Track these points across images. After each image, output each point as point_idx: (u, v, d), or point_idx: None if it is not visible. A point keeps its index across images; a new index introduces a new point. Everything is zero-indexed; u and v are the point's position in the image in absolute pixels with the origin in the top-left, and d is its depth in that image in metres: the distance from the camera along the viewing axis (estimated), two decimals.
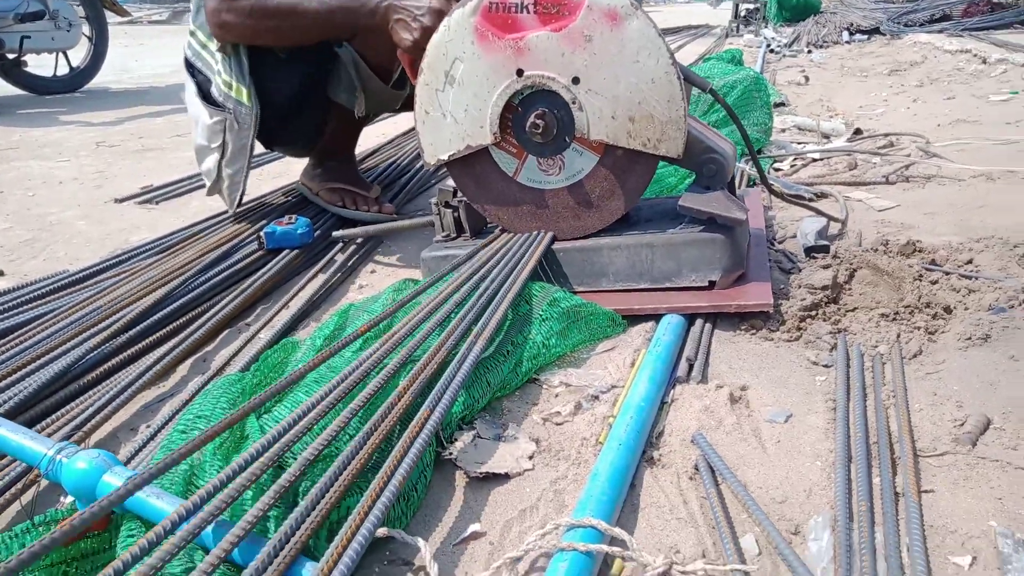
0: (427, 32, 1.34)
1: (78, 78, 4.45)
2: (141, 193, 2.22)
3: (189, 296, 1.40)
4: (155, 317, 1.31)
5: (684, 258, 1.33)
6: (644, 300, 1.33)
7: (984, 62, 5.02)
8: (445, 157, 1.41)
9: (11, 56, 4.05)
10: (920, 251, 1.52)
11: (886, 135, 2.76)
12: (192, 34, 1.68)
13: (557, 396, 1.11)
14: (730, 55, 4.32)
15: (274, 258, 1.61)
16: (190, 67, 1.70)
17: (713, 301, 1.29)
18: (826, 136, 3.04)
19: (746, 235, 1.40)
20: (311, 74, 1.73)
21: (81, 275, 1.53)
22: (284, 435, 0.75)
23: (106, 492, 0.72)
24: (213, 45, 1.62)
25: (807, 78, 5.05)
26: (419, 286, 1.22)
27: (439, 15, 1.34)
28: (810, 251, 1.54)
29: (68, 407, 1.07)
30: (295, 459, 0.76)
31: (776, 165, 2.46)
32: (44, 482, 0.93)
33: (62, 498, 0.90)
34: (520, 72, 1.30)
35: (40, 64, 4.30)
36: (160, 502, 0.70)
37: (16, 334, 1.24)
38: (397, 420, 0.85)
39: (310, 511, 0.70)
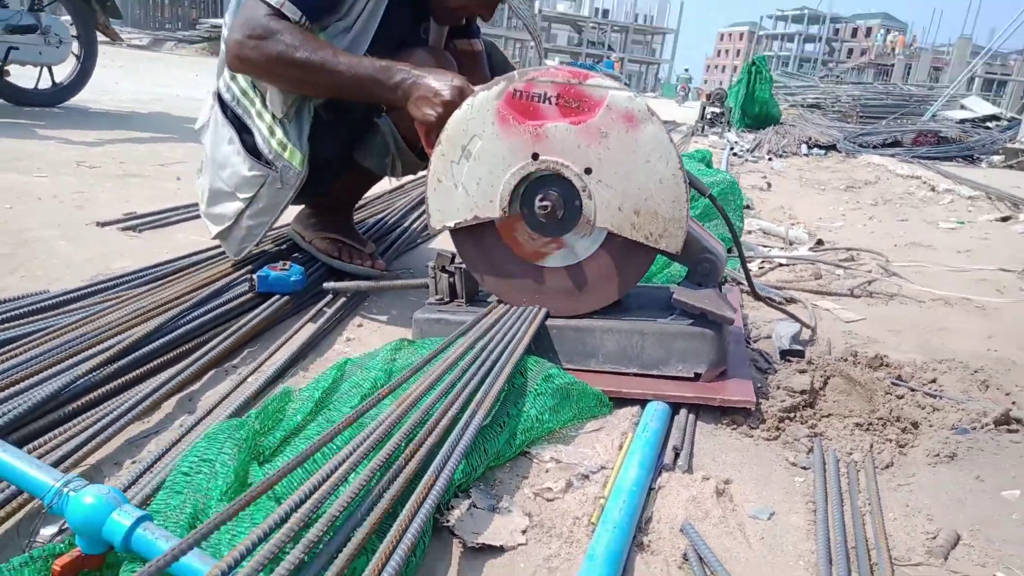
0: (448, 107, 1.40)
1: (60, 94, 4.40)
2: (125, 219, 2.19)
3: (178, 332, 1.38)
4: (144, 350, 1.29)
5: (674, 348, 1.38)
6: (632, 384, 1.37)
7: (933, 189, 5.38)
8: (451, 224, 1.45)
9: None
10: (887, 365, 1.60)
11: (848, 249, 2.92)
12: (232, 78, 1.66)
13: (547, 471, 1.13)
14: (701, 155, 4.53)
15: (264, 302, 1.60)
16: (224, 107, 1.68)
17: (699, 393, 1.33)
18: (790, 243, 3.20)
19: (730, 333, 1.47)
20: (349, 138, 1.75)
21: (64, 298, 1.49)
22: (312, 493, 0.75)
23: (115, 530, 0.71)
24: (258, 99, 1.62)
25: (769, 184, 5.30)
26: (429, 352, 1.23)
27: (461, 93, 1.40)
28: (785, 354, 1.62)
29: (55, 432, 1.04)
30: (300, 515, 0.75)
31: None
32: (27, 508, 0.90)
33: (42, 530, 0.88)
34: (536, 156, 1.37)
35: (21, 76, 4.24)
36: (197, 561, 0.69)
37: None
38: (406, 483, 0.86)
39: (325, 568, 0.70)
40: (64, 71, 4.43)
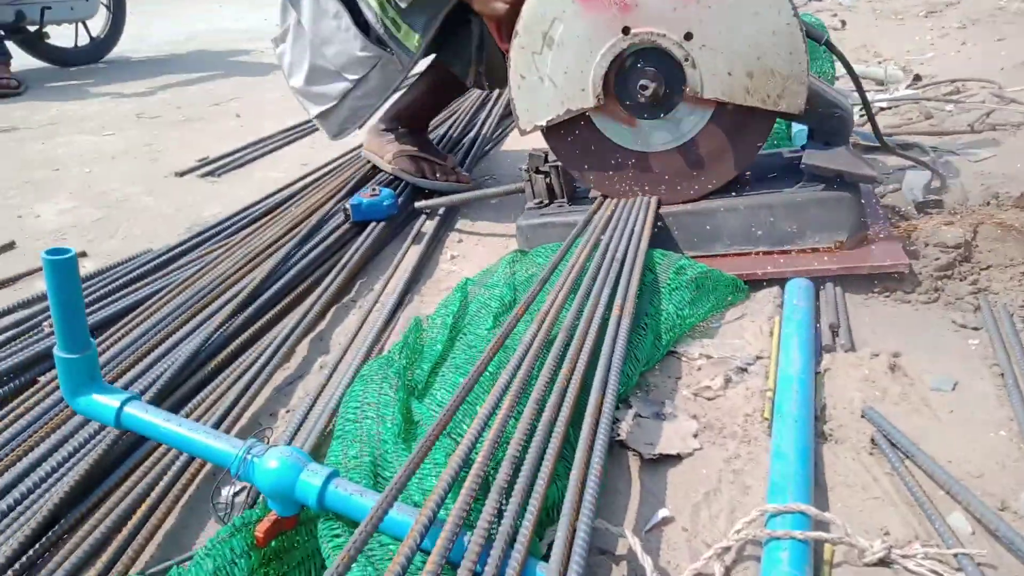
0: None
1: (100, 48, 4.34)
2: (200, 165, 2.17)
3: (291, 273, 1.36)
4: (265, 296, 1.27)
5: (808, 219, 1.28)
6: (767, 264, 1.28)
7: None
8: (543, 123, 1.35)
9: (32, 28, 3.94)
10: None
11: (952, 81, 2.67)
12: None
13: (700, 369, 1.07)
14: None
15: (362, 231, 1.56)
16: None
17: (844, 263, 1.24)
18: (882, 83, 2.94)
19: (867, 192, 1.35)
20: (436, 36, 1.65)
21: (170, 255, 1.48)
22: (483, 429, 0.72)
23: (306, 491, 0.69)
24: None
25: (843, 22, 4.89)
26: (549, 260, 1.17)
27: None
28: (921, 206, 1.49)
29: (205, 393, 1.03)
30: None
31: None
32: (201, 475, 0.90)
33: (223, 490, 0.88)
34: (626, 30, 1.24)
35: (59, 35, 4.19)
36: (400, 513, 0.67)
37: (127, 319, 1.20)
38: (574, 406, 0.82)
39: (523, 508, 0.67)
40: (97, 24, 4.35)
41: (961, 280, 1.22)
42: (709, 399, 1.01)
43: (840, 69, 3.11)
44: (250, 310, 1.23)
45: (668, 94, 1.28)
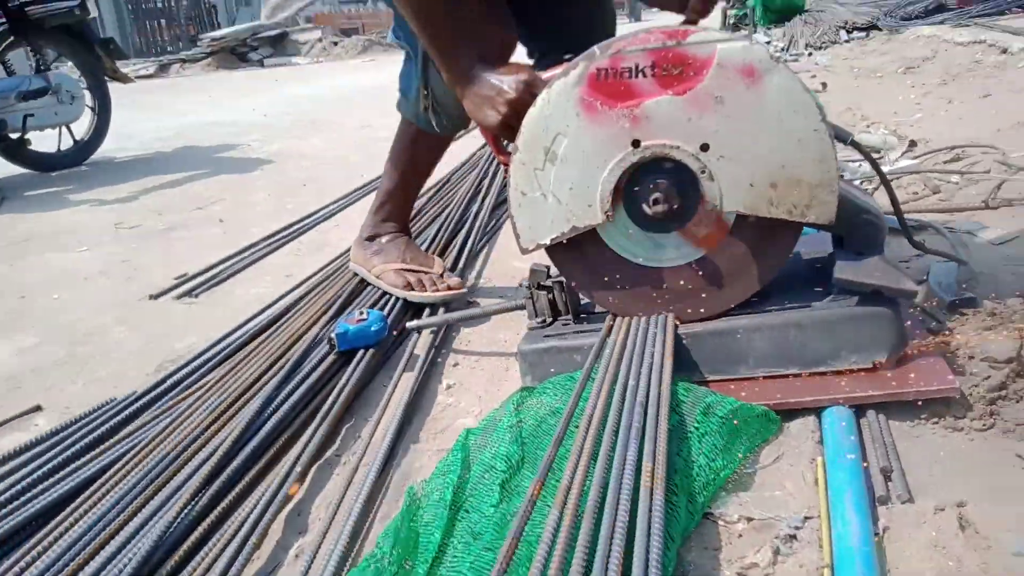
0: (515, 107, 1.18)
1: (83, 151, 4.28)
2: (177, 284, 2.05)
3: (270, 425, 1.22)
4: (239, 459, 1.13)
5: (842, 338, 1.15)
6: (799, 390, 1.15)
7: (1005, 52, 4.88)
8: (547, 241, 1.24)
9: (14, 136, 3.89)
10: None
11: (951, 148, 2.60)
12: None
13: (741, 536, 0.93)
14: None
15: (349, 362, 1.43)
16: None
17: (886, 389, 1.11)
18: (878, 151, 2.88)
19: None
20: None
21: (134, 407, 1.35)
22: None
23: None
24: None
25: (824, 84, 4.90)
26: (562, 402, 1.04)
27: (529, 88, 1.18)
28: (954, 305, 1.37)
29: None
30: None
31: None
32: None
33: None
34: (636, 143, 1.14)
35: (41, 139, 4.13)
36: None
37: (79, 502, 1.06)
38: None
39: None
40: (82, 126, 4.31)
41: (1018, 401, 1.09)
42: None
43: None
44: (222, 479, 1.08)
45: (683, 207, 1.18)
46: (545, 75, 1.18)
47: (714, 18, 12.62)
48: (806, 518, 0.93)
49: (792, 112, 1.07)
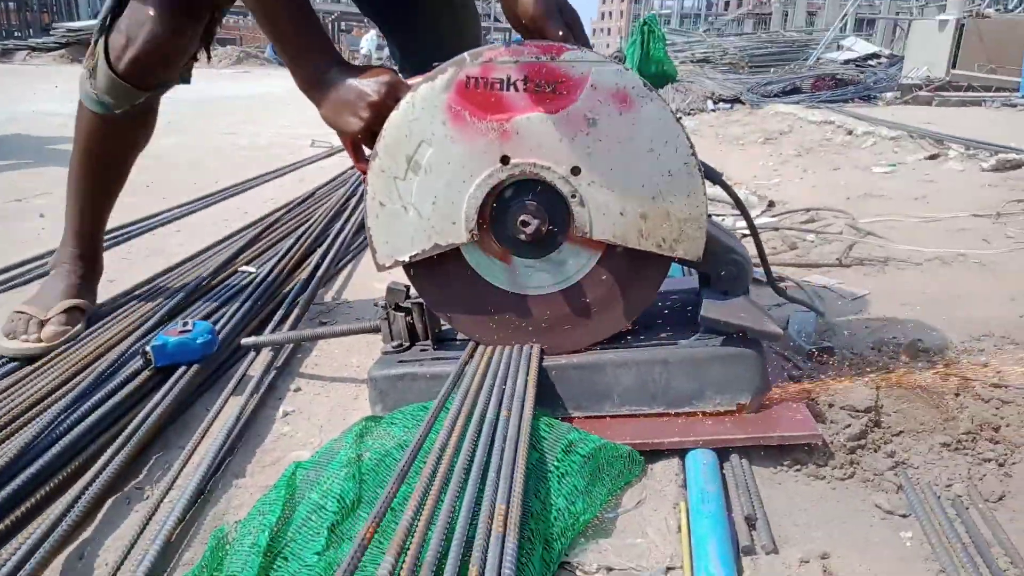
0: (377, 110, 1.07)
1: None
2: None
3: (55, 449, 1.01)
4: (6, 491, 0.91)
5: (708, 378, 1.11)
6: (664, 430, 1.09)
7: (850, 133, 5.33)
8: (405, 258, 1.12)
9: None
10: (925, 351, 1.39)
11: (807, 210, 2.74)
12: None
13: None
14: None
15: (166, 379, 1.23)
16: None
17: (750, 432, 1.07)
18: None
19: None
20: None
21: None
22: None
23: None
24: None
25: None
26: (408, 437, 0.91)
27: (393, 90, 1.07)
28: (813, 354, 1.37)
29: None
30: None
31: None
32: None
33: None
34: (505, 159, 1.06)
35: None
36: None
37: None
38: None
39: None
40: None
41: (876, 451, 1.08)
42: None
43: None
44: None
45: (552, 232, 1.10)
46: (410, 80, 1.09)
47: None
48: (668, 568, 0.85)
49: (663, 143, 1.03)
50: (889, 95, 9.05)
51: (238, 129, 4.73)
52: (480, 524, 0.76)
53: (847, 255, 2.05)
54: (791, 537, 0.92)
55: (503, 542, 0.73)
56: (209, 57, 1.45)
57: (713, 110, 8.32)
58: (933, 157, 4.07)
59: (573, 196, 1.07)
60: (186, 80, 1.44)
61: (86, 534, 0.93)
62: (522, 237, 1.10)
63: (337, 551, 0.79)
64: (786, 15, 26.22)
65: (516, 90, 1.04)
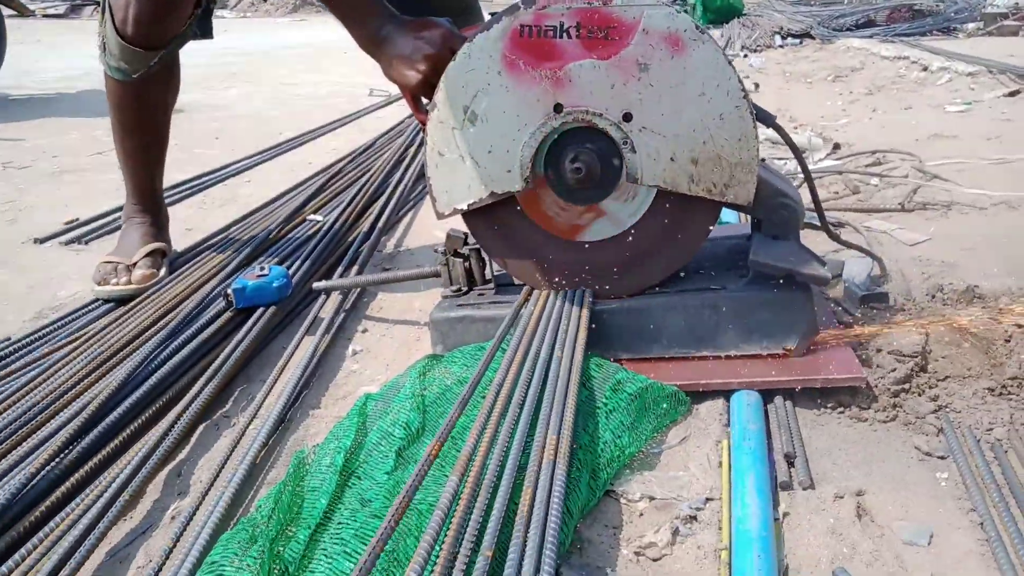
0: (434, 63, 1.11)
1: None
2: (66, 229, 1.89)
3: (152, 380, 1.12)
4: (111, 417, 1.03)
5: (756, 321, 1.14)
6: (711, 372, 1.13)
7: (926, 69, 5.09)
8: (464, 206, 1.18)
9: None
10: (981, 297, 1.38)
11: (873, 152, 2.67)
12: None
13: (642, 515, 0.90)
14: None
15: (247, 319, 1.34)
16: None
17: (795, 375, 1.10)
18: (803, 151, 2.93)
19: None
20: None
21: (7, 350, 1.22)
22: None
23: None
24: None
25: (756, 85, 4.98)
26: (468, 372, 0.98)
27: (447, 42, 1.11)
28: (866, 299, 1.38)
29: (12, 562, 0.79)
30: None
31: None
32: None
33: None
34: (559, 107, 1.09)
35: None
36: None
37: None
38: None
39: None
40: None
41: (920, 395, 1.10)
42: (655, 559, 0.83)
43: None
44: (92, 435, 0.99)
45: (604, 179, 1.14)
46: (465, 31, 1.12)
47: None
48: (708, 500, 0.91)
49: (715, 87, 1.05)
50: (971, 26, 8.52)
51: (299, 79, 4.82)
52: (533, 452, 0.83)
53: (910, 199, 2.01)
54: (829, 474, 0.96)
55: (553, 468, 0.80)
56: (214, 2, 1.47)
57: (781, 46, 7.99)
58: (1013, 94, 3.87)
59: (624, 142, 1.10)
60: (206, 34, 1.49)
61: (182, 455, 1.05)
62: (575, 183, 1.14)
63: (404, 472, 0.87)
64: None
65: (569, 37, 1.06)
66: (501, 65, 1.08)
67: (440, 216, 1.20)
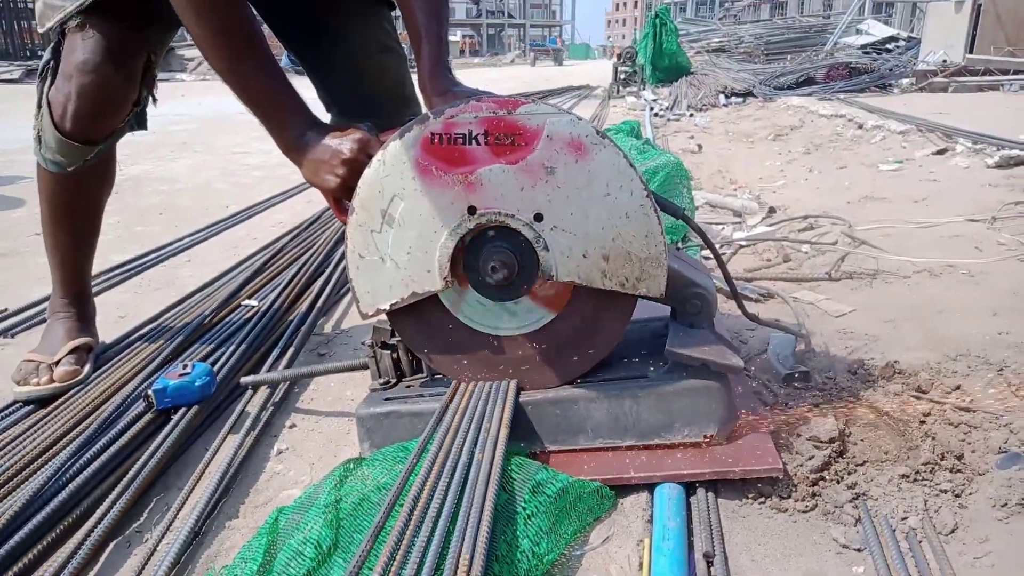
0: (351, 167, 1.13)
1: None
2: None
3: (63, 496, 1.08)
4: (14, 540, 0.99)
5: (676, 411, 1.16)
6: (634, 465, 1.14)
7: (861, 127, 5.31)
8: (386, 306, 1.18)
9: None
10: (901, 373, 1.42)
11: (805, 217, 2.76)
12: None
13: None
14: (628, 127, 4.34)
15: (168, 421, 1.31)
16: None
17: (715, 467, 1.11)
18: (738, 215, 3.02)
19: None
20: None
21: None
22: None
23: None
24: None
25: (700, 146, 5.14)
26: (389, 490, 0.97)
27: (364, 148, 1.13)
28: (788, 378, 1.41)
29: None
30: None
31: (704, 254, 2.37)
32: None
33: None
34: (472, 209, 1.11)
35: None
36: None
37: None
38: None
39: None
40: None
41: (838, 482, 1.12)
42: None
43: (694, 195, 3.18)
44: None
45: (521, 277, 1.15)
46: (380, 137, 1.15)
47: (605, 73, 13.12)
48: None
49: (619, 187, 1.08)
50: (905, 82, 8.96)
51: (249, 147, 4.83)
52: (446, 573, 0.82)
53: (837, 268, 2.08)
54: (746, 572, 0.96)
55: None
56: (155, 100, 1.48)
57: (725, 104, 8.29)
58: (941, 152, 4.06)
59: (538, 241, 1.12)
60: (141, 126, 1.50)
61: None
62: (492, 282, 1.15)
63: None
64: (803, 0, 25.94)
65: (478, 144, 1.09)
66: (415, 171, 1.10)
67: (364, 316, 1.20)
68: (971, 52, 9.11)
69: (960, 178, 3.34)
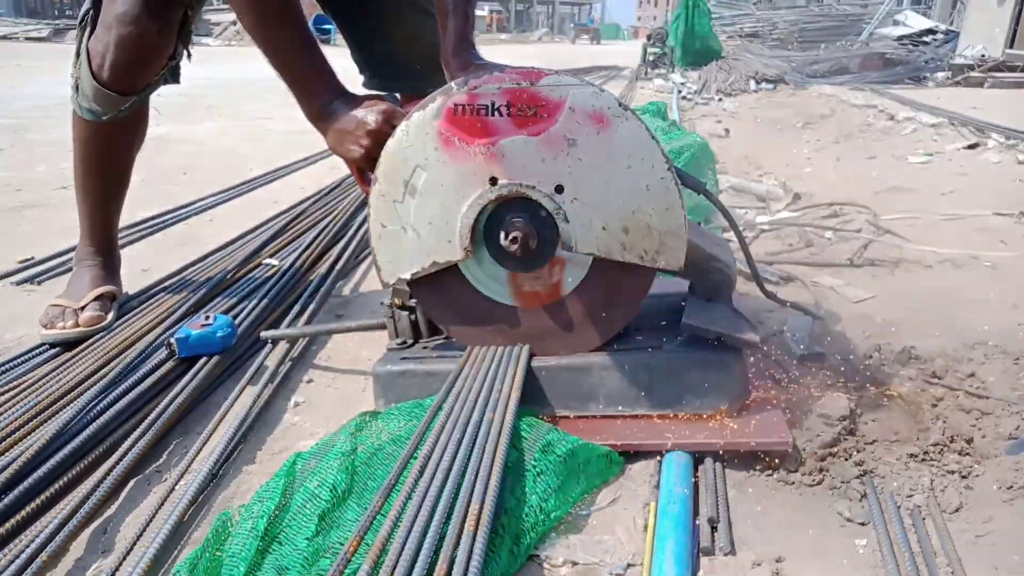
0: (376, 138, 1.15)
1: None
2: (20, 269, 1.88)
3: (87, 433, 1.12)
4: (41, 471, 1.03)
5: (689, 382, 1.17)
6: (644, 433, 1.15)
7: (892, 118, 5.23)
8: (407, 276, 1.20)
9: None
10: (917, 358, 1.42)
11: (830, 204, 2.73)
12: None
13: None
14: (655, 108, 4.30)
15: (189, 369, 1.34)
16: None
17: (725, 438, 1.12)
18: (763, 200, 3.00)
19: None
20: None
21: None
22: None
23: None
24: None
25: (727, 130, 5.09)
26: (406, 449, 0.99)
27: (388, 119, 1.15)
28: (803, 359, 1.41)
29: None
30: None
31: (726, 236, 2.36)
32: None
33: None
34: (494, 180, 1.12)
35: None
36: None
37: None
38: None
39: None
40: None
41: (846, 459, 1.12)
42: None
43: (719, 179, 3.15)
44: (19, 490, 0.98)
45: (541, 247, 1.16)
46: (405, 108, 1.16)
47: (634, 55, 12.93)
48: (629, 565, 0.92)
49: (640, 160, 1.08)
50: (940, 75, 8.79)
51: (274, 113, 4.85)
52: (455, 523, 0.84)
53: (860, 255, 2.07)
54: (750, 540, 0.98)
55: (473, 539, 0.81)
56: (190, 56, 1.51)
57: (756, 90, 8.18)
58: (972, 147, 3.99)
59: (558, 213, 1.13)
60: (175, 80, 1.52)
61: (110, 511, 1.04)
62: (513, 252, 1.16)
63: (325, 538, 0.87)
64: None
65: (500, 115, 1.10)
66: (437, 141, 1.11)
67: (385, 285, 1.22)
68: (1011, 47, 8.91)
69: (990, 172, 3.29)
